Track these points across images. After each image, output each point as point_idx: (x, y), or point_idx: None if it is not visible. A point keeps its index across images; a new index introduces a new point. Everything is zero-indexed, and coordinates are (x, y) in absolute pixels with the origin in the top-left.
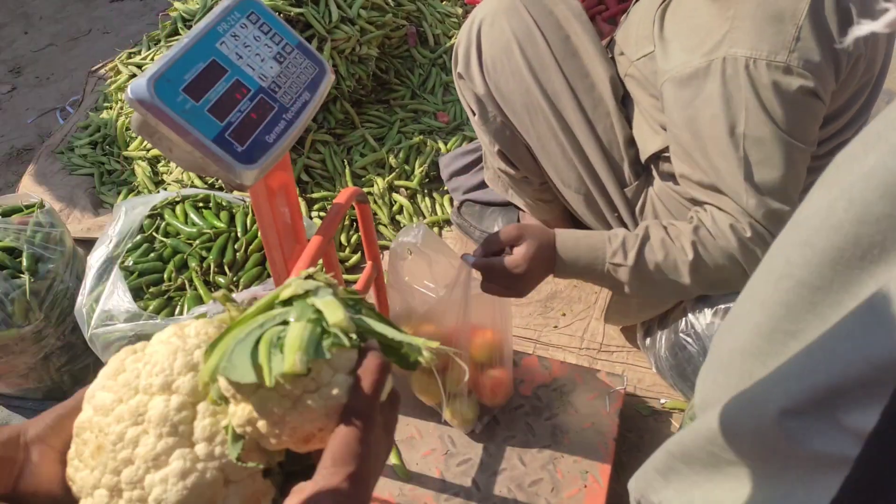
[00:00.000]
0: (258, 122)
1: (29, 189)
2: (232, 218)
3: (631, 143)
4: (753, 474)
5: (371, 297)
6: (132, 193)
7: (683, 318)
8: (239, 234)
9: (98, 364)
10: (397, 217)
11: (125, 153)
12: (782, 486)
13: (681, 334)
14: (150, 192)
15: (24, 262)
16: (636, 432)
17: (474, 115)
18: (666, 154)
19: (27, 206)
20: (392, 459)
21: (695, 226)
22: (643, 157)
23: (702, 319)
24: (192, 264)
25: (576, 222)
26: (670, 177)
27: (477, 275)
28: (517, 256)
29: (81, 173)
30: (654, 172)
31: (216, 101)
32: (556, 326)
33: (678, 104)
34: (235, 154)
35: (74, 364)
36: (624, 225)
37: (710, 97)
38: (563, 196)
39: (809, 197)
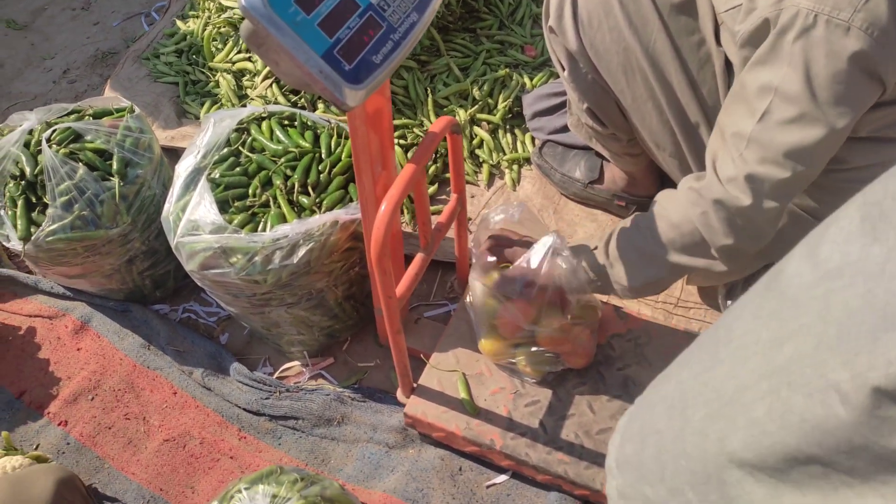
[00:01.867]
0: (366, 42)
1: (114, 93)
2: (317, 138)
3: None
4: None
5: (451, 232)
6: (216, 106)
7: None
8: (323, 156)
9: (178, 271)
10: (477, 151)
11: (211, 64)
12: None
13: None
14: (233, 105)
15: (115, 166)
16: None
17: (564, 70)
18: None
19: (117, 110)
20: (461, 393)
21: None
22: None
23: None
24: (277, 182)
25: (662, 174)
26: None
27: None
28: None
29: (166, 81)
30: None
31: (326, 16)
32: None
33: (743, 62)
34: (343, 73)
35: (156, 269)
36: None
37: (762, 49)
38: (656, 157)
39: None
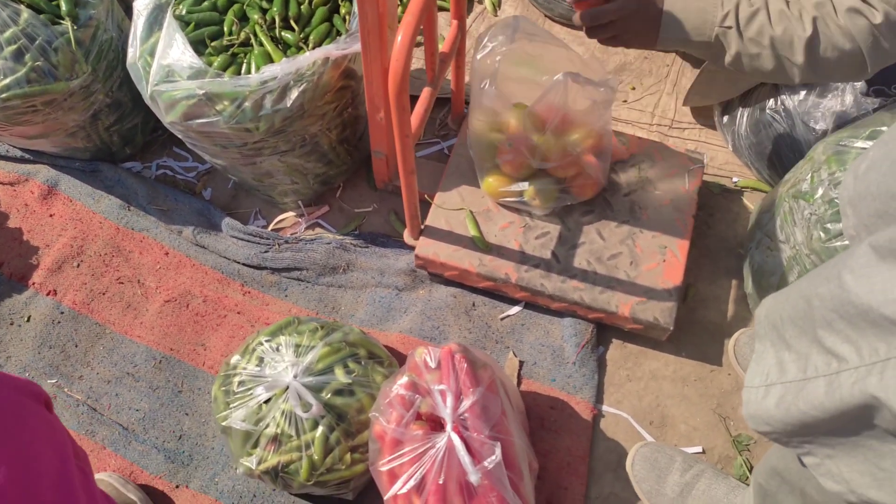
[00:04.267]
0: None
1: None
2: None
3: None
4: None
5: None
6: None
7: (773, 97)
8: None
9: (146, 125)
10: None
11: None
12: None
13: (768, 111)
14: None
15: (63, 6)
16: (707, 210)
17: None
18: None
19: None
20: (470, 231)
21: (819, 1)
22: None
23: (794, 97)
24: (254, 16)
25: None
26: None
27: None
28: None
29: None
30: None
31: None
32: (625, 101)
33: None
34: None
35: (123, 123)
36: None
37: None
38: None
39: None
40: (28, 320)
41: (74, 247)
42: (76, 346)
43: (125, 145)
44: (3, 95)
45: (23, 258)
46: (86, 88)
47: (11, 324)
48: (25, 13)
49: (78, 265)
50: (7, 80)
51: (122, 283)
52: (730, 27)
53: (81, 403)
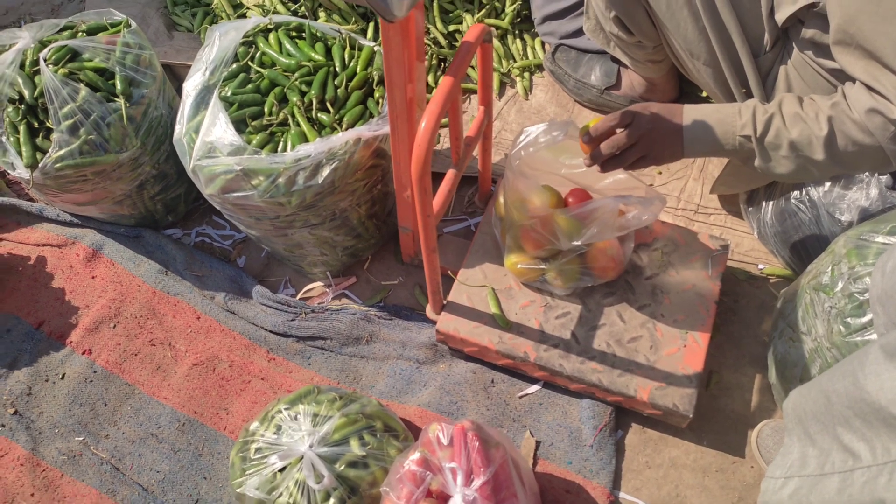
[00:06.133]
0: None
1: (96, 4)
2: (328, 50)
3: (773, 9)
4: None
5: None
6: (208, 18)
7: (798, 187)
8: (338, 69)
9: (189, 194)
10: None
11: None
12: None
13: (793, 201)
14: (228, 16)
15: (119, 86)
16: (732, 296)
17: None
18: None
19: (112, 25)
20: (492, 308)
21: (834, 101)
22: (780, 18)
23: (819, 188)
24: (293, 99)
25: (681, 79)
26: (811, 45)
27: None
28: (642, 120)
29: None
30: (793, 40)
31: None
32: (651, 185)
33: None
34: None
35: (167, 193)
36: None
37: None
38: (686, 66)
39: None
40: (62, 378)
41: (112, 308)
42: (105, 405)
43: (168, 213)
44: (57, 165)
45: (63, 317)
46: (134, 160)
47: (46, 380)
48: (84, 91)
49: (114, 326)
50: (62, 152)
51: (154, 345)
52: (748, 136)
53: (105, 462)
